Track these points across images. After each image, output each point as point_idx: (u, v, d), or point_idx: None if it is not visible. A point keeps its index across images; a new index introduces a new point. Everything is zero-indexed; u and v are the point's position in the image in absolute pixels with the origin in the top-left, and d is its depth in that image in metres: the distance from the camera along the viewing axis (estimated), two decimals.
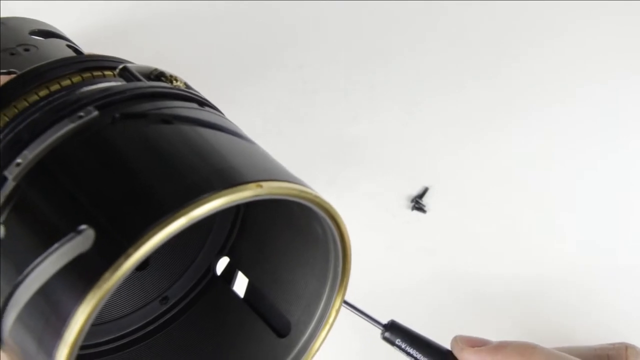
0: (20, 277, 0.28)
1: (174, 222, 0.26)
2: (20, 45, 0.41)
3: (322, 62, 0.66)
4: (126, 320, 0.42)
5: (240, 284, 0.43)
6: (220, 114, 0.36)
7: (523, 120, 0.64)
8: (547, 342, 0.46)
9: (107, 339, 0.41)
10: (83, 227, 0.27)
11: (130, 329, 0.42)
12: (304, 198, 0.30)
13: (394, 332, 0.39)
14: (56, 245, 0.27)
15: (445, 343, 0.46)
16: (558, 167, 0.61)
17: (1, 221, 0.29)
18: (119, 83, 0.35)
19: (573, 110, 0.65)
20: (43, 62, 0.35)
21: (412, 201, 0.57)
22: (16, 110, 0.33)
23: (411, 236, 0.55)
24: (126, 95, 0.32)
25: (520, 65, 0.68)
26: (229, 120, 0.35)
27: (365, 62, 0.66)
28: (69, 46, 0.44)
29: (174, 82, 0.36)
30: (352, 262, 0.37)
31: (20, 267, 0.28)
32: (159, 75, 0.36)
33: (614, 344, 0.38)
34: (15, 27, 0.43)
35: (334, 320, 0.38)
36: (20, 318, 0.28)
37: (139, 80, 0.34)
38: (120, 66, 0.35)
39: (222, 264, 0.44)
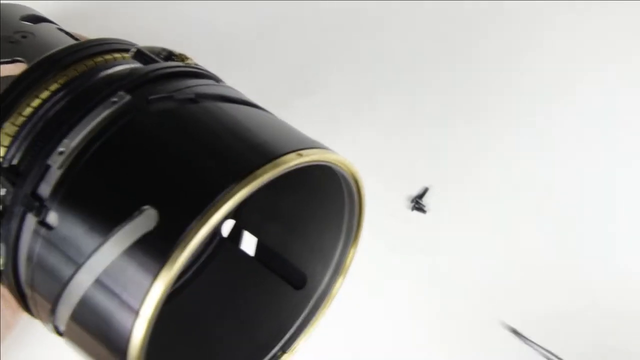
0: (82, 260, 0.30)
1: (231, 199, 0.29)
2: (16, 32, 0.41)
3: (322, 62, 0.65)
4: None
5: (249, 243, 0.45)
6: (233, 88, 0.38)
7: (523, 119, 0.63)
8: (549, 340, 0.49)
9: None
10: (145, 207, 0.29)
11: None
12: (335, 163, 0.33)
13: None
14: (119, 226, 0.29)
15: (444, 342, 0.49)
16: (559, 167, 0.60)
17: (53, 209, 0.31)
18: (133, 65, 0.36)
19: (574, 110, 0.64)
20: (54, 50, 0.36)
21: (412, 201, 0.57)
22: (40, 100, 0.34)
23: (411, 236, 0.55)
24: (150, 77, 0.34)
25: (520, 66, 0.67)
26: (241, 93, 0.37)
27: (366, 62, 0.66)
28: (59, 29, 0.44)
29: (185, 60, 0.37)
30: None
31: (81, 251, 0.30)
32: (168, 55, 0.37)
33: None
34: (5, 14, 0.43)
35: (348, 268, 0.41)
36: (86, 300, 0.30)
37: (155, 61, 0.36)
38: (134, 48, 0.36)
39: (228, 225, 0.46)
